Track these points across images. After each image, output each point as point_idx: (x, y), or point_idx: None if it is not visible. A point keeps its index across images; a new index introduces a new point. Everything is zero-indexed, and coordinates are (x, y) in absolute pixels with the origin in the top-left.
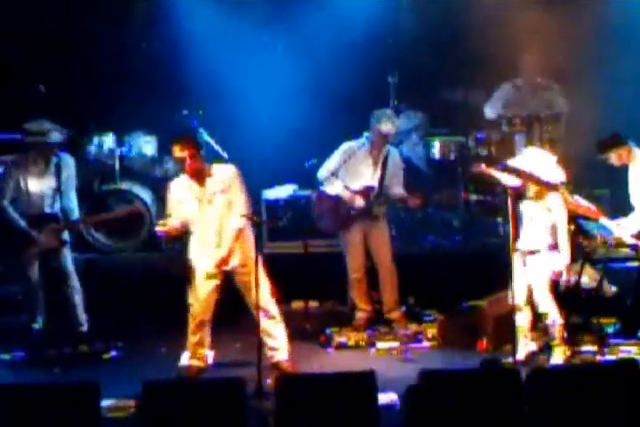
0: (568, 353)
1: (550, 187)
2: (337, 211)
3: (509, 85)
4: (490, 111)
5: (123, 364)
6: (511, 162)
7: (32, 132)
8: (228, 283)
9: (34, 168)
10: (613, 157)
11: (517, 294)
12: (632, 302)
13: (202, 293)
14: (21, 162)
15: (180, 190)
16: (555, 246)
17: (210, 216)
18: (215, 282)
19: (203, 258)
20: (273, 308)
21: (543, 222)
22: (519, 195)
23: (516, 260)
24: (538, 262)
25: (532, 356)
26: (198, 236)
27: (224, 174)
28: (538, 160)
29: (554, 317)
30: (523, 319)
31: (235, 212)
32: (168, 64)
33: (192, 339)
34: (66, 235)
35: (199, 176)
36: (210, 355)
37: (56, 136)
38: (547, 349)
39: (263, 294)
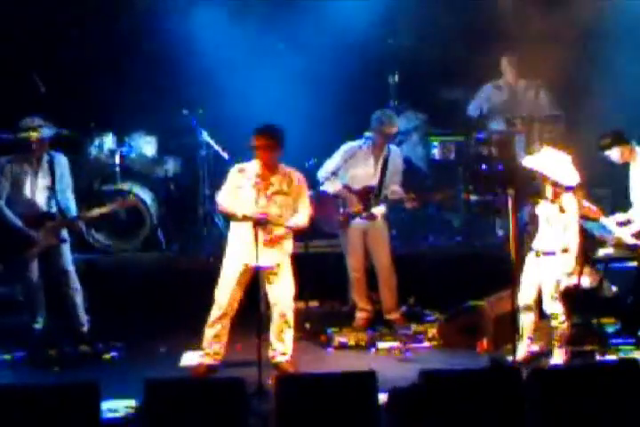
0: (568, 354)
1: (566, 188)
2: (336, 210)
3: (490, 86)
4: (472, 109)
5: (123, 364)
6: (526, 162)
7: (23, 127)
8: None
9: (27, 167)
10: (615, 155)
11: (525, 294)
12: (632, 301)
13: (231, 285)
14: (15, 161)
15: (242, 176)
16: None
17: (264, 211)
18: (245, 276)
19: (242, 250)
20: (291, 314)
21: (558, 224)
22: (535, 196)
23: (530, 260)
24: (551, 264)
25: (532, 356)
26: (243, 227)
27: (295, 178)
28: (554, 161)
29: (561, 318)
30: (528, 320)
31: (300, 213)
32: (168, 64)
33: (209, 332)
34: (64, 233)
35: (269, 170)
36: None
37: (47, 131)
38: (549, 350)
39: (287, 299)
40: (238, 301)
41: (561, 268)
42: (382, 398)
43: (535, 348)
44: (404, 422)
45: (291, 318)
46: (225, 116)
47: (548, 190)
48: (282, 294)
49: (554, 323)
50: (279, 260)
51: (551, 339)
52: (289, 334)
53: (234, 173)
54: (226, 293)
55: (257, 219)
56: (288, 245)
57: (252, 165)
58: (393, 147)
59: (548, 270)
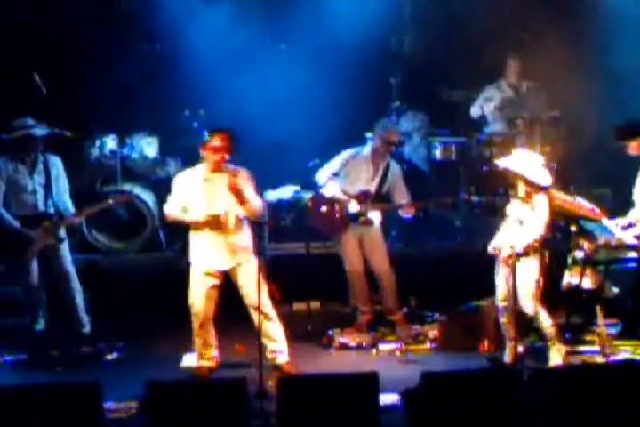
0: (564, 352)
1: (541, 188)
2: (332, 213)
3: (494, 87)
4: (474, 111)
5: (124, 364)
6: (501, 162)
7: (16, 126)
8: (229, 283)
9: (22, 167)
10: (632, 147)
11: (502, 295)
12: (633, 302)
13: (200, 291)
14: (10, 162)
15: (190, 182)
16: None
17: (217, 213)
18: (214, 280)
19: (203, 255)
20: (271, 310)
21: (531, 225)
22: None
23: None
24: (524, 264)
25: (519, 357)
26: (201, 231)
27: (240, 175)
28: (527, 161)
29: (543, 317)
30: (508, 321)
31: (251, 200)
32: (169, 65)
33: (197, 340)
34: (62, 232)
35: (217, 171)
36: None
37: (40, 131)
38: (545, 350)
39: (263, 296)
40: (215, 305)
41: (517, 242)
42: (383, 398)
43: (521, 348)
44: (408, 422)
45: (273, 313)
46: (226, 117)
47: (521, 190)
48: (256, 292)
49: (537, 324)
50: (245, 259)
51: (545, 339)
52: (277, 331)
53: (179, 182)
54: (199, 301)
55: (217, 216)
56: (249, 244)
57: (195, 171)
58: (393, 162)
59: (524, 272)
